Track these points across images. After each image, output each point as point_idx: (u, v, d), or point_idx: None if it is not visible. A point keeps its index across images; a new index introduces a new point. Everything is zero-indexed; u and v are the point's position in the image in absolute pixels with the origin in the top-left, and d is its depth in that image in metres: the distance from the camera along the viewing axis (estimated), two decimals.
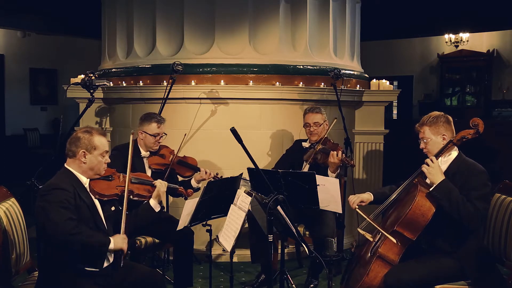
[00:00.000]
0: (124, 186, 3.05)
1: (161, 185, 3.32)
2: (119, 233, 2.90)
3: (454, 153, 3.15)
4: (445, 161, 3.15)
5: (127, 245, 2.87)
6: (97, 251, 2.80)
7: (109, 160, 3.02)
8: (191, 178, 4.23)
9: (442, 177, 3.00)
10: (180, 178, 4.32)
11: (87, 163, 2.91)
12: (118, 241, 2.83)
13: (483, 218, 3.05)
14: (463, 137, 3.10)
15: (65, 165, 2.95)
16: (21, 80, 12.31)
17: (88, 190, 2.96)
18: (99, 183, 3.02)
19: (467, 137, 3.10)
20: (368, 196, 3.43)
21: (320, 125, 4.43)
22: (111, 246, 2.80)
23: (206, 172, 4.14)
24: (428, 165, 3.04)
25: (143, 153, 4.16)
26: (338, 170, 4.22)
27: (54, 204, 2.72)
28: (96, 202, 2.98)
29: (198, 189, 4.23)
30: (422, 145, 3.20)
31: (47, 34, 11.92)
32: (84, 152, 2.89)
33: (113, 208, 3.10)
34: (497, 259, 3.19)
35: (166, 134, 4.22)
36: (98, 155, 2.92)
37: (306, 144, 4.52)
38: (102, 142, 2.94)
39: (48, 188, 2.80)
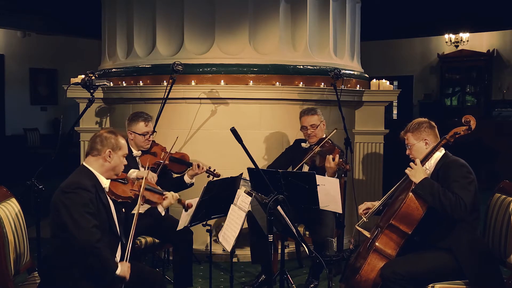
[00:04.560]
0: (137, 190, 3.07)
1: (172, 198, 3.33)
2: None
3: (440, 153, 3.25)
4: (433, 163, 3.26)
5: (129, 274, 2.86)
6: (103, 272, 2.77)
7: (126, 162, 3.05)
8: (184, 174, 4.24)
9: (424, 176, 3.11)
10: (174, 175, 4.33)
11: (112, 162, 2.94)
12: (124, 270, 2.82)
13: (473, 210, 3.09)
14: (456, 133, 3.22)
15: (84, 163, 2.95)
16: (21, 80, 12.32)
17: (106, 191, 2.97)
18: (116, 185, 3.04)
19: (460, 133, 3.22)
20: (375, 203, 3.47)
21: (317, 127, 4.37)
22: (118, 271, 2.80)
23: (198, 166, 4.16)
24: (411, 167, 3.16)
25: (135, 152, 4.20)
26: (336, 176, 4.12)
27: (79, 206, 2.71)
28: (111, 204, 2.99)
29: (192, 184, 4.25)
30: (407, 151, 3.33)
31: (47, 34, 11.92)
32: (110, 151, 2.92)
33: (123, 210, 3.12)
34: (496, 259, 3.18)
35: (156, 131, 4.23)
36: (121, 156, 2.98)
37: (305, 145, 4.49)
38: (124, 144, 3.01)
39: (72, 186, 2.78)
